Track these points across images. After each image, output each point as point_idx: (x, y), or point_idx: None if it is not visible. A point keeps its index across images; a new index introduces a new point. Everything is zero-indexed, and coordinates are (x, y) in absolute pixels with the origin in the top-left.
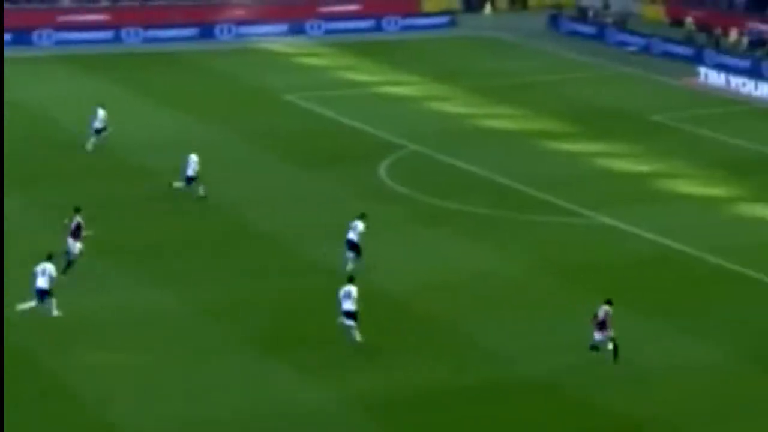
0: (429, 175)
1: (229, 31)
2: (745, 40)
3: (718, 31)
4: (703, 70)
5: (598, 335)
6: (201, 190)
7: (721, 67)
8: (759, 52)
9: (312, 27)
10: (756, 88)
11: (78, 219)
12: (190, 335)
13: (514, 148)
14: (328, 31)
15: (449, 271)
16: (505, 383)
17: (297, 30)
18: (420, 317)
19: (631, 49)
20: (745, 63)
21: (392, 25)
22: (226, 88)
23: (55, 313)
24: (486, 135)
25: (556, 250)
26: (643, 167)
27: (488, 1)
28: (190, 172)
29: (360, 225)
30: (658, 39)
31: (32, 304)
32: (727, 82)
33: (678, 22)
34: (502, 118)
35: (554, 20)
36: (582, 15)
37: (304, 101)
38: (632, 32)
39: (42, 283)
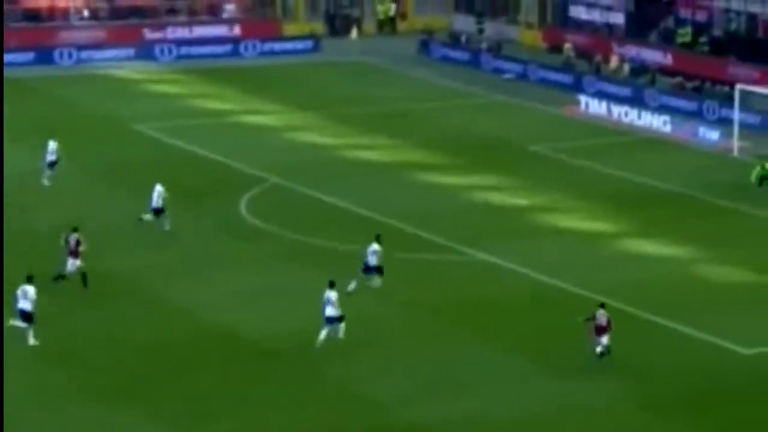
0: (293, 210)
1: (70, 56)
2: (626, 67)
3: (598, 57)
4: (583, 98)
5: (601, 340)
6: (166, 225)
7: (602, 95)
8: (641, 80)
9: (162, 52)
10: (639, 117)
11: (75, 236)
12: None
13: (384, 181)
14: (181, 57)
15: (315, 312)
16: (377, 430)
17: (145, 55)
18: (286, 362)
19: (508, 76)
20: (626, 91)
21: (251, 49)
22: (68, 116)
23: (31, 342)
24: (354, 167)
25: (430, 289)
26: (522, 201)
27: (354, 25)
28: (156, 204)
29: (376, 246)
30: (536, 65)
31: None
32: (609, 110)
33: (556, 48)
34: (371, 149)
35: (425, 45)
36: (455, 40)
37: (155, 131)
38: (508, 58)
39: (24, 305)
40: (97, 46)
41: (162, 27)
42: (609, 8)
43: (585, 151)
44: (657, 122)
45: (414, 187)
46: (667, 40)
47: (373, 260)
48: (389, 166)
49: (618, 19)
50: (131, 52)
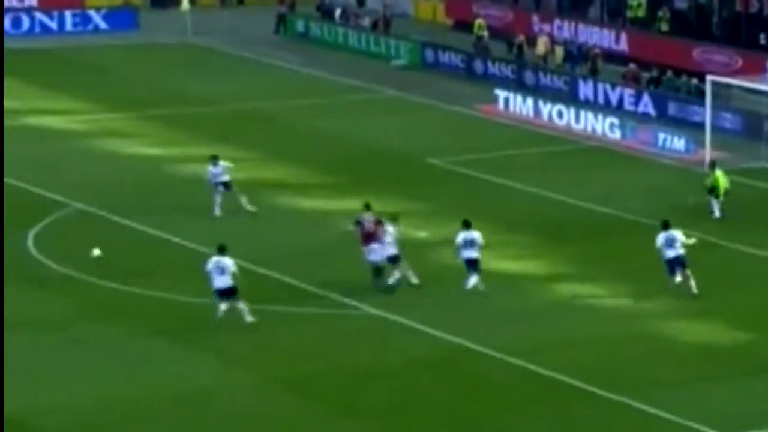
0: (102, 247)
1: None
2: (559, 52)
3: (520, 38)
4: (501, 93)
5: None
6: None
7: (526, 89)
8: (579, 69)
9: None
10: (576, 119)
11: None
12: None
13: (227, 207)
14: None
15: (135, 393)
16: None
17: None
18: None
19: (399, 63)
20: (559, 83)
21: (40, 25)
22: None
23: (249, 319)
24: (187, 187)
25: (303, 354)
26: (420, 233)
27: None
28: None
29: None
30: (437, 49)
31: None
32: (536, 110)
33: (464, 25)
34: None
35: (284, 21)
36: (325, 14)
37: None
38: (400, 39)
39: (222, 281)
40: None
41: None
42: None
43: (504, 165)
44: (601, 126)
45: (273, 215)
46: (614, 16)
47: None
48: (239, 188)
49: None
50: None
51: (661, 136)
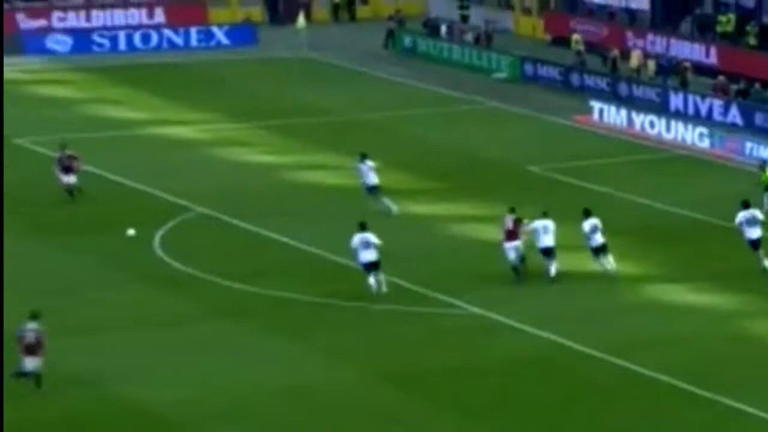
0: (222, 249)
1: None
2: (651, 65)
3: (615, 52)
4: (596, 104)
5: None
6: (385, 205)
7: (620, 100)
8: (671, 81)
9: (50, 42)
10: (668, 128)
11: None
12: None
13: (340, 211)
14: (76, 50)
15: (250, 385)
16: None
17: (28, 48)
18: None
19: (500, 76)
20: (652, 95)
21: (167, 42)
22: None
23: (384, 289)
24: (302, 193)
25: (406, 351)
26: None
27: (302, 10)
28: (372, 181)
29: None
30: (536, 63)
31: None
32: (629, 120)
33: (562, 41)
34: (323, 170)
35: (393, 37)
36: (432, 30)
37: (41, 147)
38: (501, 53)
39: (369, 256)
40: None
41: (47, 12)
42: None
43: (599, 173)
44: (691, 135)
45: (382, 219)
46: (704, 30)
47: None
48: (348, 192)
49: (641, 3)
50: (6, 43)
51: (749, 145)
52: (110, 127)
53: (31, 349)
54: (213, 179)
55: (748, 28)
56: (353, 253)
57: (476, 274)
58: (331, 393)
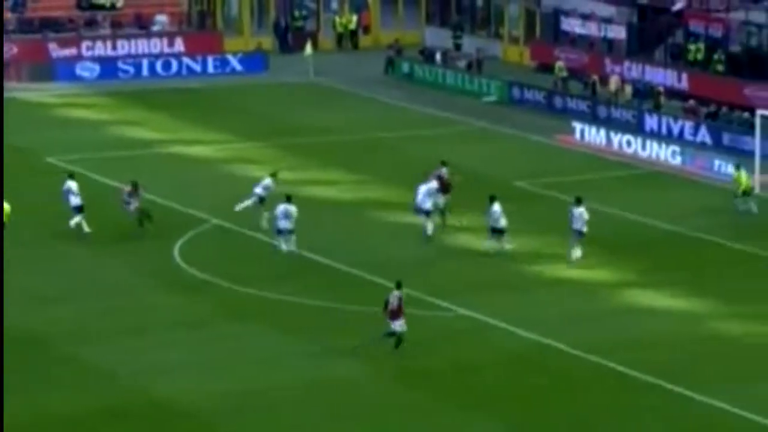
0: (237, 257)
1: None
2: (628, 89)
3: (595, 77)
4: (577, 125)
5: (395, 324)
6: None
7: (599, 121)
8: (645, 104)
9: (79, 69)
10: (643, 147)
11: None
12: None
13: (346, 223)
14: (102, 77)
15: (266, 380)
16: None
17: (60, 74)
18: None
19: (490, 99)
20: (628, 116)
21: (186, 68)
22: None
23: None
24: (309, 205)
25: (404, 349)
26: (507, 245)
27: (309, 40)
28: (259, 191)
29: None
30: (523, 87)
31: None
32: (608, 139)
33: (546, 67)
34: (329, 185)
35: (392, 63)
36: (428, 57)
37: (71, 164)
38: (491, 78)
39: (286, 224)
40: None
41: (77, 42)
42: (608, 21)
43: (580, 187)
44: (664, 153)
45: (380, 230)
46: (675, 58)
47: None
48: (351, 206)
49: (618, 33)
50: (39, 70)
51: (717, 162)
52: (134, 147)
53: (395, 314)
54: (227, 193)
55: (716, 56)
56: (273, 219)
57: (470, 280)
58: (345, 388)
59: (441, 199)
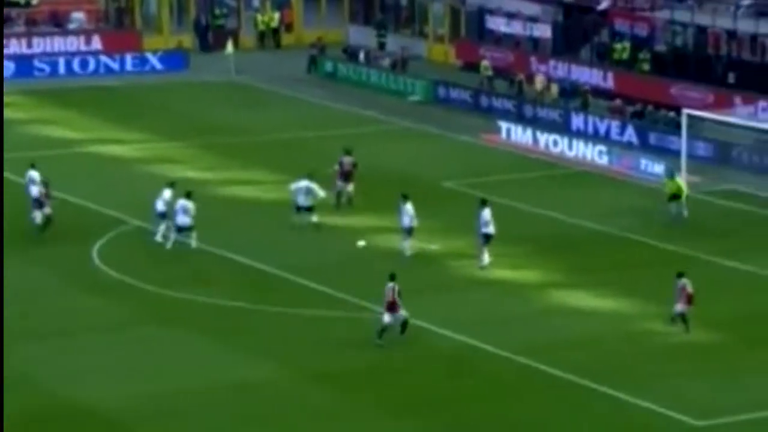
0: (157, 259)
1: None
2: (554, 88)
3: (521, 77)
4: (503, 124)
5: (388, 318)
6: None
7: (525, 121)
8: (572, 103)
9: None
10: (570, 146)
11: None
12: None
13: (268, 224)
14: (18, 74)
15: (185, 383)
16: None
17: None
18: None
19: (415, 98)
20: (554, 116)
21: (104, 67)
22: None
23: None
24: (230, 205)
25: (330, 352)
26: (433, 246)
27: (230, 38)
28: (161, 207)
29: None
30: (448, 86)
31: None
32: (534, 139)
33: (471, 66)
34: (251, 185)
35: (315, 62)
36: (351, 56)
37: None
38: (415, 77)
39: (185, 220)
40: None
41: None
42: (533, 19)
43: (506, 187)
44: (591, 153)
45: (305, 232)
46: (601, 57)
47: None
48: (273, 206)
49: (544, 32)
50: None
51: (643, 162)
52: (50, 146)
53: (391, 306)
54: (147, 194)
55: (641, 55)
56: (174, 213)
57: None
58: (263, 390)
59: (348, 188)
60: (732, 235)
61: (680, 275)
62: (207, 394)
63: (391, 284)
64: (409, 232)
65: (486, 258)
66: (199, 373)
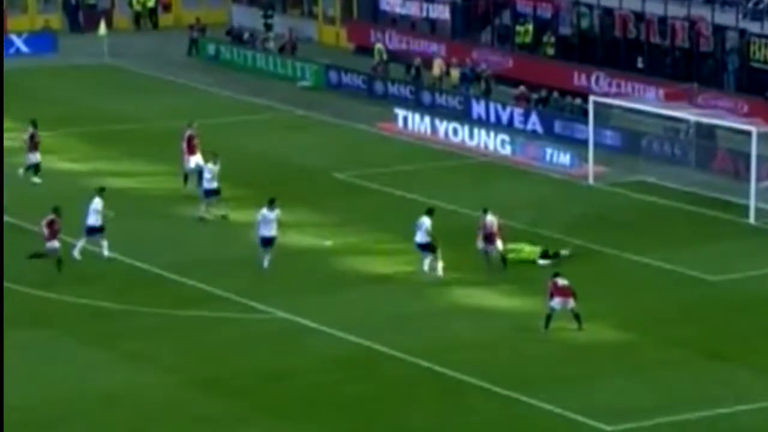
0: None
1: None
2: (454, 74)
3: (418, 61)
4: (400, 112)
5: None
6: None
7: (423, 108)
8: (473, 90)
9: None
10: (470, 135)
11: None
12: None
13: (150, 218)
14: None
15: (64, 389)
16: None
17: None
18: None
19: (305, 84)
20: (454, 103)
21: None
22: None
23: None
24: (107, 199)
25: (215, 356)
26: (326, 242)
27: (102, 18)
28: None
29: (427, 221)
30: (340, 71)
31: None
32: (433, 127)
33: (365, 49)
34: (129, 177)
35: (197, 45)
36: (235, 38)
37: None
38: (305, 61)
39: (267, 231)
40: None
41: None
42: (430, 0)
43: (403, 179)
44: (493, 142)
45: (185, 226)
46: (503, 41)
47: (419, 238)
48: (154, 199)
49: (442, 13)
50: None
51: (548, 151)
52: None
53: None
54: (20, 188)
55: (545, 38)
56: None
57: (285, 280)
58: (141, 398)
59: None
60: (640, 228)
61: (556, 275)
62: (84, 401)
63: (489, 218)
64: (423, 248)
65: (438, 266)
66: (78, 378)
